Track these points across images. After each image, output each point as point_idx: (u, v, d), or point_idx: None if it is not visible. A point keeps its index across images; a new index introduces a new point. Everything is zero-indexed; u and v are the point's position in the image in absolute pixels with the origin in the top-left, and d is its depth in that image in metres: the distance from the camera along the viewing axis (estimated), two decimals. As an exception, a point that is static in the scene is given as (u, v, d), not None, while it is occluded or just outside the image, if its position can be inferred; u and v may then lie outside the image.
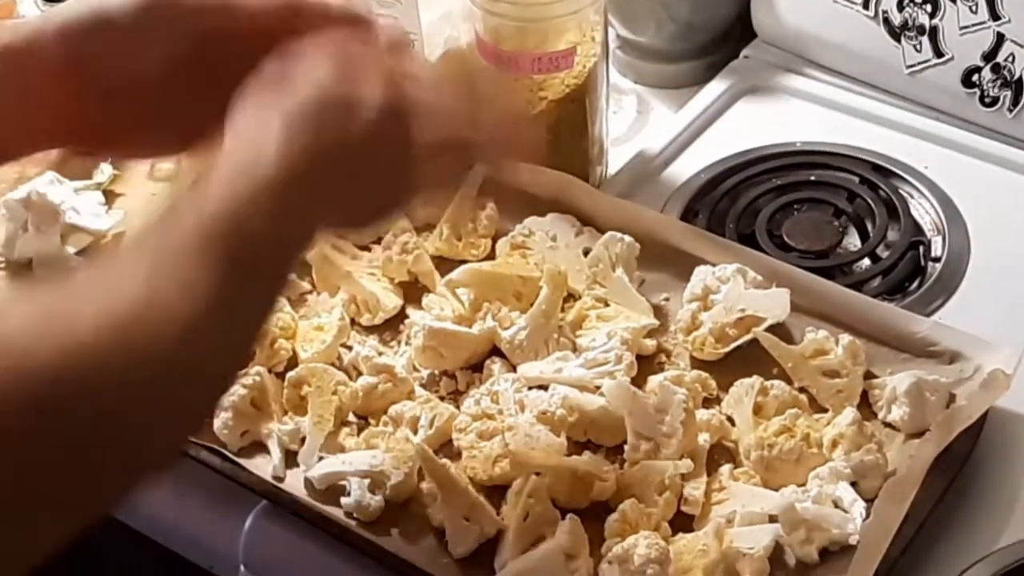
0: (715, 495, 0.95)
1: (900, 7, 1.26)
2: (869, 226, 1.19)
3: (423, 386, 1.05)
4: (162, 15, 0.75)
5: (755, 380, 1.00)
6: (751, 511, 0.92)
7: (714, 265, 1.09)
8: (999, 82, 1.23)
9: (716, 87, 1.35)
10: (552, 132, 1.19)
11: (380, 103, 0.71)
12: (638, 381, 1.02)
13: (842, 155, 1.27)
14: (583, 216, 1.15)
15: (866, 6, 1.28)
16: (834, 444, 0.96)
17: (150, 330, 0.61)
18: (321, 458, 0.99)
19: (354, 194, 0.74)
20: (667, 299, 1.10)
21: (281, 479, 0.99)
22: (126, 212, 1.27)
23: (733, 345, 1.04)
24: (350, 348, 1.08)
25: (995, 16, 1.21)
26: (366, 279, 1.12)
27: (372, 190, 0.75)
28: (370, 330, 1.10)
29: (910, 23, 1.26)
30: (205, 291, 0.63)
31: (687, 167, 1.27)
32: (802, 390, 1.01)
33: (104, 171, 1.30)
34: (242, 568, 1.00)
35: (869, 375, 1.02)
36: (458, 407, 1.02)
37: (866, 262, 1.17)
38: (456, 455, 0.99)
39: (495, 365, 1.05)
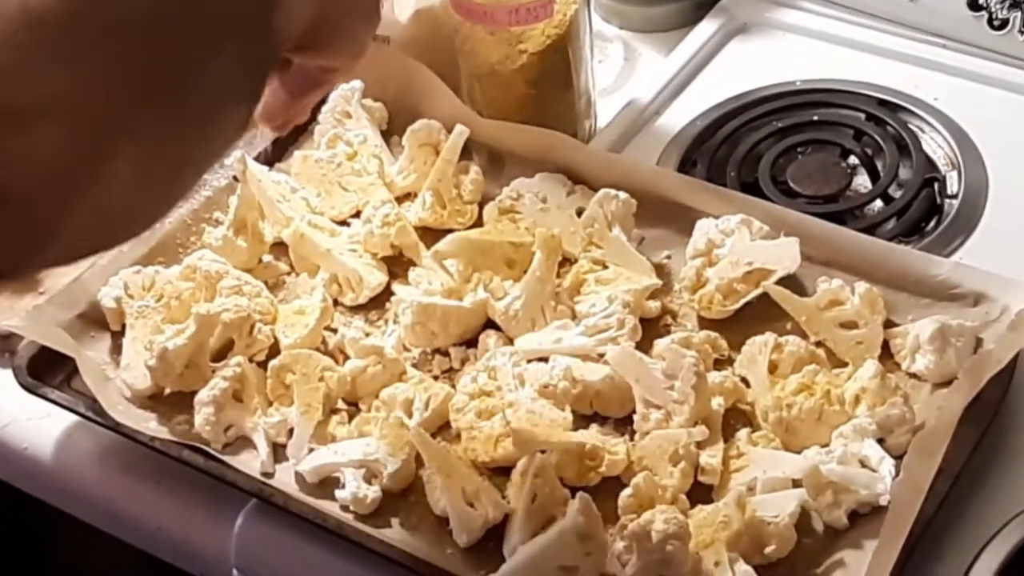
0: (733, 462, 0.94)
1: (898, -71, 1.26)
2: (879, 165, 1.19)
3: (415, 366, 1.04)
4: None
5: (768, 337, 1.00)
6: (773, 477, 0.91)
7: (717, 217, 1.08)
8: (1008, 3, 1.23)
9: (706, 27, 1.34)
10: (535, 87, 1.18)
11: None
12: (643, 346, 1.01)
13: (845, 91, 1.26)
14: (574, 174, 1.14)
15: (861, -70, 1.28)
16: (857, 399, 0.95)
17: None
18: (311, 450, 0.98)
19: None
20: (669, 257, 1.10)
21: (270, 475, 0.98)
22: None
23: (742, 301, 1.04)
24: (335, 331, 1.07)
25: (1000, -68, 1.21)
26: (347, 256, 1.11)
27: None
28: (355, 310, 1.09)
29: (909, -55, 1.26)
30: None
31: (681, 115, 1.27)
32: (819, 344, 1.01)
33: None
34: (235, 572, 1.00)
35: (889, 324, 1.01)
36: (454, 386, 1.02)
37: (878, 204, 1.16)
38: (455, 437, 0.98)
39: (490, 339, 1.04)
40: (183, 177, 0.63)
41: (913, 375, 0.99)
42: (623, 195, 1.09)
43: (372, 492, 0.94)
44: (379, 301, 1.10)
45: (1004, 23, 1.24)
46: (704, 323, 1.05)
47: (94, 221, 0.58)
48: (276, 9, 0.64)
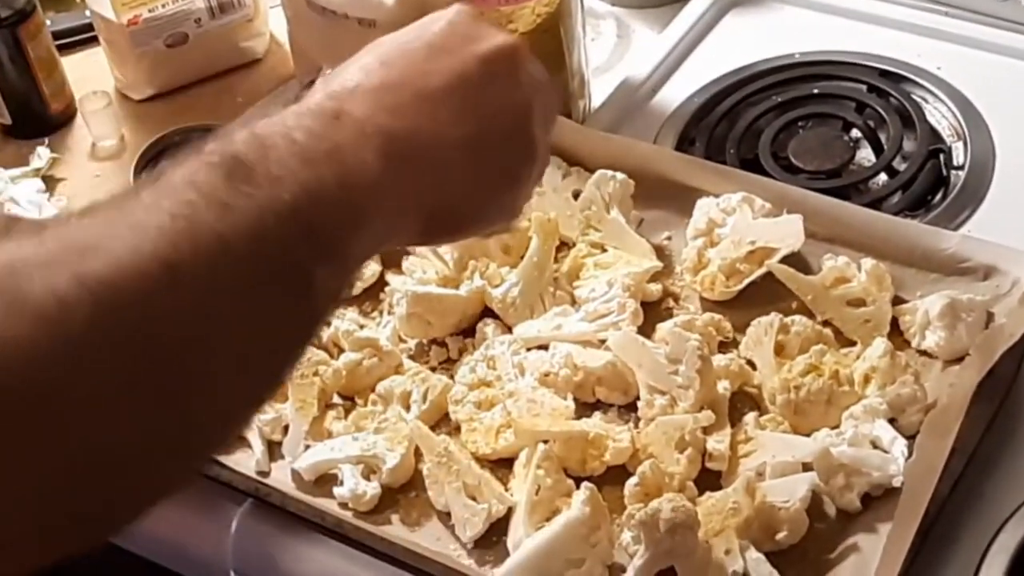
0: (741, 447, 0.94)
1: None
2: (882, 138, 1.18)
3: (411, 358, 1.04)
4: None
5: (774, 317, 0.99)
6: (782, 461, 0.91)
7: (717, 196, 1.08)
8: (1011, -33, 1.23)
9: (701, 1, 1.34)
10: (527, 67, 1.17)
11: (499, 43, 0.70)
12: (646, 330, 1.01)
13: (846, 63, 1.26)
14: (569, 155, 1.14)
15: None
16: (866, 379, 0.95)
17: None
18: (307, 447, 0.98)
19: (464, 169, 0.68)
20: (669, 238, 1.10)
21: (266, 474, 0.97)
22: (69, 199, 1.26)
23: (746, 281, 1.03)
24: (328, 323, 1.06)
25: None
26: (338, 247, 1.10)
27: (490, 164, 0.70)
28: (348, 302, 1.09)
29: (909, -91, 1.26)
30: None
31: (678, 92, 1.26)
32: (826, 323, 1.00)
33: (41, 156, 1.29)
34: (232, 574, 0.99)
35: (897, 300, 1.01)
36: (452, 377, 1.01)
37: (883, 177, 1.16)
38: (455, 430, 0.98)
39: (488, 328, 1.04)
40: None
41: (923, 352, 0.98)
42: (620, 176, 1.08)
43: (371, 488, 0.94)
44: (372, 292, 1.09)
45: (1007, -12, 1.24)
46: (707, 305, 1.04)
47: None
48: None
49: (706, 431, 0.94)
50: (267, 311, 0.59)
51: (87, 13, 1.44)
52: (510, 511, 0.92)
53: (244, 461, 0.98)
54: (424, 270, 1.08)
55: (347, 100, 0.65)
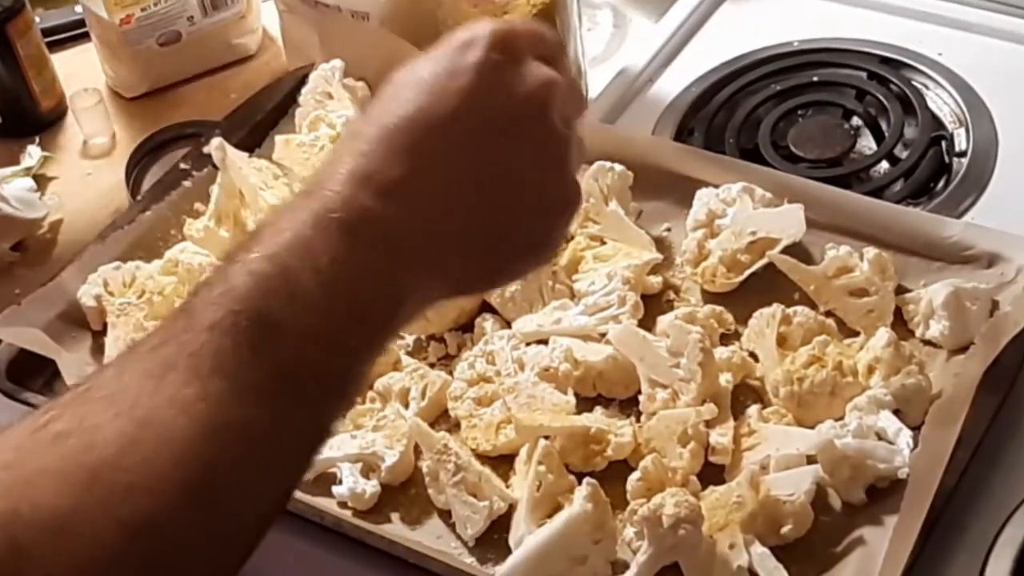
0: (745, 440, 0.94)
1: None
2: (883, 125, 1.18)
3: (409, 354, 1.03)
4: None
5: (776, 309, 0.99)
6: (787, 454, 0.91)
7: (717, 186, 1.07)
8: (1012, -49, 1.23)
9: (698, -11, 1.33)
10: (522, 58, 1.17)
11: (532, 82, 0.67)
12: (646, 323, 1.00)
13: (845, 50, 1.25)
14: (566, 147, 1.13)
15: None
16: (870, 370, 0.95)
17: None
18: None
19: (480, 227, 0.68)
20: (669, 229, 1.09)
21: (264, 473, 0.97)
22: (61, 197, 1.25)
23: (747, 272, 1.03)
24: (325, 321, 1.06)
25: None
26: (334, 242, 1.10)
27: (510, 218, 0.69)
28: (345, 298, 1.08)
29: None
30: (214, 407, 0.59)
31: (675, 82, 1.26)
32: (828, 314, 1.00)
33: (32, 154, 1.29)
34: (232, 575, 0.99)
35: (901, 290, 1.01)
36: (451, 373, 1.01)
37: (884, 165, 1.15)
38: (454, 426, 0.98)
39: (487, 323, 1.04)
40: None
41: (928, 342, 0.98)
42: (619, 167, 1.08)
43: (370, 487, 0.94)
44: (369, 288, 1.09)
45: (1008, -28, 1.24)
46: (708, 297, 1.04)
47: None
48: None
49: (709, 425, 0.93)
50: (295, 457, 0.64)
51: (76, 9, 1.44)
52: (511, 508, 0.91)
53: (241, 461, 0.97)
54: (421, 265, 1.07)
55: (374, 199, 0.64)
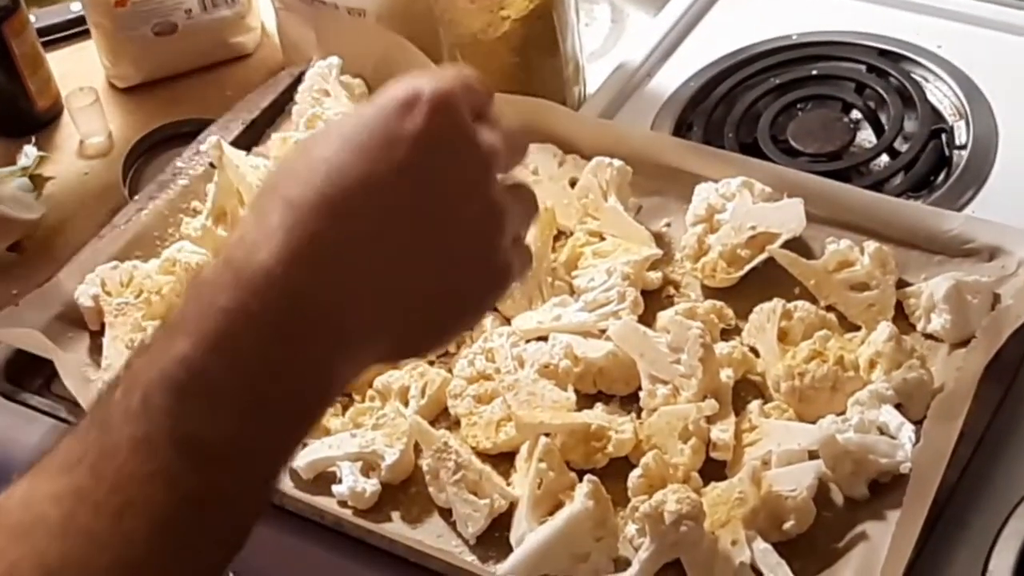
0: (746, 436, 0.94)
1: None
2: (883, 118, 1.18)
3: (409, 352, 1.03)
4: None
5: (776, 303, 0.99)
6: (788, 449, 0.91)
7: (716, 181, 1.07)
8: (1011, -58, 1.23)
9: (696, -17, 1.33)
10: (520, 54, 1.17)
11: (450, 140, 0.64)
12: (646, 319, 1.00)
13: (844, 43, 1.25)
14: (564, 143, 1.13)
15: None
16: (872, 364, 0.95)
17: None
18: (305, 444, 0.97)
19: (413, 303, 0.64)
20: (668, 225, 1.09)
21: (263, 473, 0.97)
22: (57, 197, 1.25)
23: (747, 267, 1.03)
24: (323, 319, 1.06)
25: None
26: (332, 240, 1.10)
27: (444, 291, 0.65)
28: (343, 296, 1.08)
29: None
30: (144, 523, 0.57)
31: (674, 76, 1.26)
32: (829, 308, 1.00)
33: (28, 154, 1.28)
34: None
35: (902, 283, 1.01)
36: (450, 371, 1.01)
37: (884, 159, 1.15)
38: (454, 424, 0.98)
39: (486, 319, 1.03)
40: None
41: (929, 336, 0.98)
42: (617, 163, 1.08)
43: (370, 485, 0.93)
44: (368, 286, 1.09)
45: (1007, -37, 1.23)
46: (708, 292, 1.04)
47: None
48: None
49: (710, 420, 0.93)
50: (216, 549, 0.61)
51: (72, 8, 1.44)
52: (512, 506, 0.91)
53: (241, 460, 0.97)
54: (420, 262, 1.07)
55: (308, 276, 0.60)
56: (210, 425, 0.58)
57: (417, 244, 0.63)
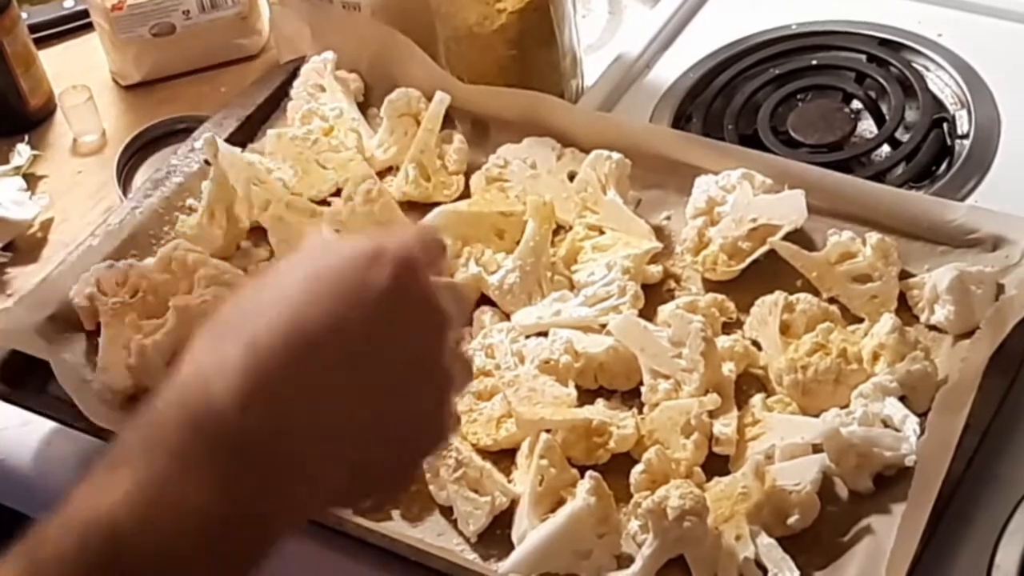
0: (749, 430, 0.93)
1: None
2: (884, 108, 1.18)
3: (408, 349, 1.03)
4: None
5: (778, 296, 0.99)
6: (792, 443, 0.91)
7: (716, 173, 1.07)
8: (1010, -72, 1.22)
9: (694, -26, 1.33)
10: (517, 47, 1.17)
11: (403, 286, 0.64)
12: (647, 313, 1.00)
13: (844, 32, 1.25)
14: (562, 136, 1.13)
15: None
16: (875, 357, 0.95)
17: None
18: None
19: (361, 451, 0.63)
20: (668, 218, 1.09)
21: (262, 472, 0.96)
22: (51, 196, 1.25)
23: (748, 260, 1.03)
24: (321, 316, 1.05)
25: None
26: (329, 237, 1.09)
27: (394, 435, 0.65)
28: (341, 293, 1.08)
29: None
30: None
31: (672, 68, 1.26)
32: (832, 301, 1.00)
33: (22, 153, 1.28)
34: (231, 576, 0.99)
35: (905, 275, 1.00)
36: (450, 367, 1.00)
37: (885, 149, 1.15)
38: (454, 421, 0.97)
39: (485, 315, 1.03)
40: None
41: (933, 327, 0.98)
42: (616, 156, 1.08)
43: (370, 484, 0.93)
44: (366, 282, 1.08)
45: (1007, -50, 1.23)
46: (709, 285, 1.04)
47: None
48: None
49: (712, 415, 0.93)
50: None
51: (64, 4, 1.43)
52: (514, 503, 0.91)
53: (239, 460, 0.97)
54: (418, 258, 1.07)
55: (259, 418, 0.59)
56: None
57: (375, 393, 0.63)
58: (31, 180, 1.26)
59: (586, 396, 0.97)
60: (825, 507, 0.88)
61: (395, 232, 0.69)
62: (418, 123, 1.15)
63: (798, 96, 1.21)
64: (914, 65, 1.20)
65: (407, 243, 0.66)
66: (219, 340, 0.61)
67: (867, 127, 1.18)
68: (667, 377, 0.95)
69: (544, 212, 1.05)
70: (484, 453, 0.95)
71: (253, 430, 0.59)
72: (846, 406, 0.93)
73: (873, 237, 1.01)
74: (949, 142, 1.15)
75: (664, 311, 0.99)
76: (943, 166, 1.13)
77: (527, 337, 1.01)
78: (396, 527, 0.92)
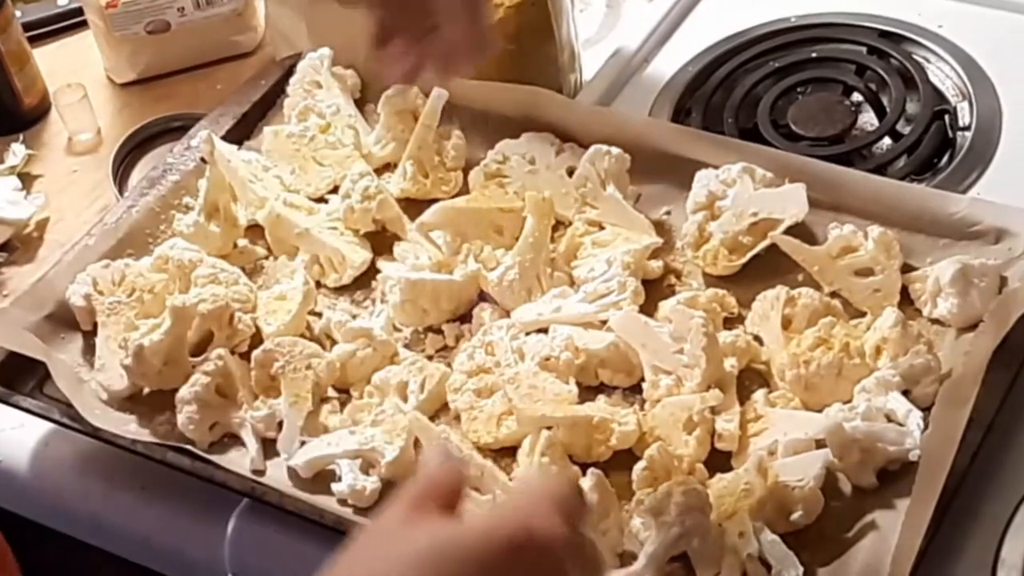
0: (751, 426, 0.93)
1: None
2: (885, 101, 1.18)
3: (407, 347, 1.03)
4: None
5: (780, 290, 0.99)
6: (795, 438, 0.90)
7: (716, 167, 1.07)
8: (1010, -82, 1.22)
9: (692, -33, 1.33)
10: (514, 42, 1.17)
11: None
12: (648, 309, 1.00)
13: (844, 24, 1.25)
14: (561, 131, 1.13)
15: None
16: (878, 351, 0.94)
17: None
18: (303, 443, 0.97)
19: None
20: (668, 213, 1.09)
21: (261, 472, 0.96)
22: (47, 195, 1.25)
23: (749, 255, 1.03)
24: (319, 315, 1.06)
25: None
26: (327, 234, 1.09)
27: None
28: (339, 291, 1.08)
29: None
30: None
31: (671, 62, 1.26)
32: (834, 295, 1.00)
33: (16, 152, 1.28)
34: (231, 577, 0.99)
35: (907, 268, 1.00)
36: (449, 365, 1.00)
37: (887, 141, 1.15)
38: (455, 419, 0.97)
39: (485, 312, 1.03)
40: None
41: (936, 321, 0.98)
42: (616, 151, 1.08)
43: (371, 483, 0.93)
44: (364, 280, 1.08)
45: (1008, -59, 1.23)
46: (710, 280, 1.04)
47: None
48: None
49: (714, 411, 0.93)
50: None
51: (59, 2, 1.43)
52: (515, 501, 0.91)
53: (238, 460, 0.97)
54: (417, 256, 1.07)
55: None
56: None
57: None
58: (26, 179, 1.26)
59: (587, 393, 0.97)
60: (829, 503, 0.88)
61: (530, 500, 0.66)
62: (416, 119, 1.15)
63: (798, 89, 1.21)
64: (915, 57, 1.20)
65: (555, 524, 0.65)
66: None
67: (868, 120, 1.18)
68: (668, 373, 0.95)
69: (543, 208, 1.05)
70: (485, 451, 0.95)
71: None
72: (849, 401, 0.93)
73: (875, 230, 1.00)
74: (951, 134, 1.15)
75: (665, 307, 0.99)
76: (945, 158, 1.13)
77: (527, 334, 1.01)
78: (397, 526, 0.92)
